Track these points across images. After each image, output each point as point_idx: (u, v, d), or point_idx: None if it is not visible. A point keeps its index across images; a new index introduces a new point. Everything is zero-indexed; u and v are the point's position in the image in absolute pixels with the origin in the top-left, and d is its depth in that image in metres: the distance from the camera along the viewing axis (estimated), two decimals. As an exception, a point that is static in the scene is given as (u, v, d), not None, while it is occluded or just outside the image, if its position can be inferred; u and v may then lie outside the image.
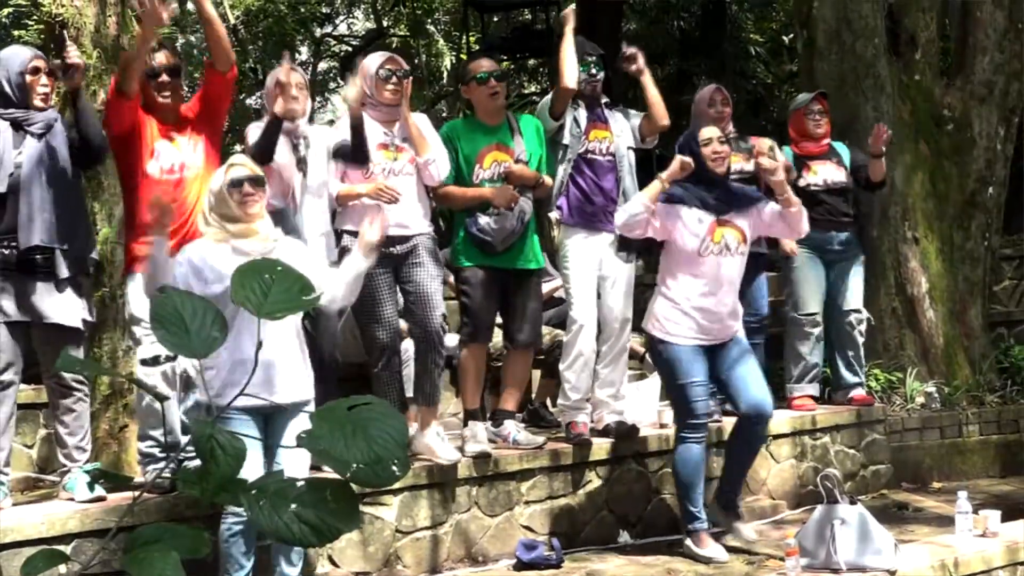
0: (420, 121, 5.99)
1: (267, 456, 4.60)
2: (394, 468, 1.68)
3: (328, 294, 4.77)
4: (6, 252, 5.03)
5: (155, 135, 5.28)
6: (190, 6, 15.79)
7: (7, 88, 5.12)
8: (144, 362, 5.08)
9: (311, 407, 4.67)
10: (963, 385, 8.30)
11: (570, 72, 6.23)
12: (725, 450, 6.20)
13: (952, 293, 8.65)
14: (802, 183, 7.28)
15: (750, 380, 5.79)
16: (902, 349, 8.38)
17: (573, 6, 6.45)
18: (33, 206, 5.02)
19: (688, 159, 5.61)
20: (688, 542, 5.85)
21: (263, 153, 5.40)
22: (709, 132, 5.82)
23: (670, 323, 5.72)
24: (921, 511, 6.96)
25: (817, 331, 7.45)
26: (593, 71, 6.43)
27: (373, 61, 5.90)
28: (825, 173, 7.45)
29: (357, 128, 5.58)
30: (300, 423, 4.56)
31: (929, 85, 8.93)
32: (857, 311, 7.58)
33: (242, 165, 4.80)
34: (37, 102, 5.16)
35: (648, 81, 6.45)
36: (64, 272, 5.07)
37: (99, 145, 5.26)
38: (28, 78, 5.13)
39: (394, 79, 5.83)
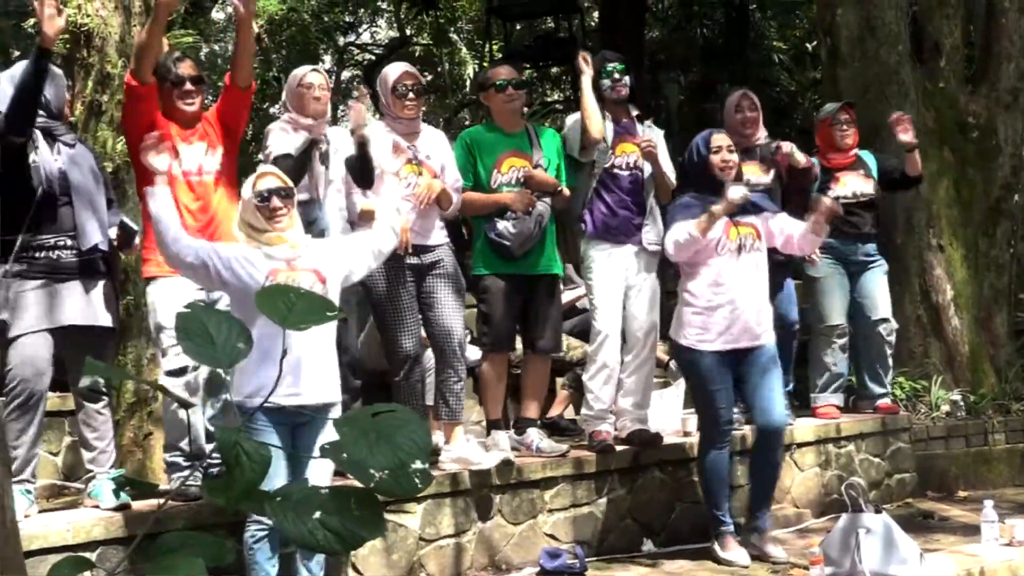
0: (436, 137, 6.00)
1: (292, 467, 4.53)
2: (416, 480, 1.69)
3: (386, 244, 4.91)
4: (53, 256, 5.04)
5: (176, 139, 5.29)
6: (214, 15, 15.88)
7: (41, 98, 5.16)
8: (170, 373, 5.08)
9: (337, 410, 4.66)
10: (988, 393, 8.26)
11: (595, 122, 6.17)
12: (748, 464, 6.21)
13: (977, 301, 8.61)
14: (830, 195, 7.14)
15: (768, 397, 5.81)
16: (927, 357, 8.35)
17: (585, 52, 6.37)
18: (84, 209, 5.05)
19: (740, 196, 5.58)
20: (715, 546, 5.87)
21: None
22: (720, 139, 5.82)
23: (695, 329, 5.74)
24: (947, 520, 6.91)
25: (842, 342, 7.40)
26: (616, 76, 6.39)
27: (390, 75, 5.89)
28: (853, 185, 7.34)
29: (362, 150, 5.47)
30: (327, 435, 4.52)
31: (953, 92, 8.90)
32: (886, 320, 7.50)
33: (272, 175, 4.74)
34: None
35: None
36: (101, 271, 5.11)
37: None
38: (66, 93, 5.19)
39: (411, 95, 5.84)
